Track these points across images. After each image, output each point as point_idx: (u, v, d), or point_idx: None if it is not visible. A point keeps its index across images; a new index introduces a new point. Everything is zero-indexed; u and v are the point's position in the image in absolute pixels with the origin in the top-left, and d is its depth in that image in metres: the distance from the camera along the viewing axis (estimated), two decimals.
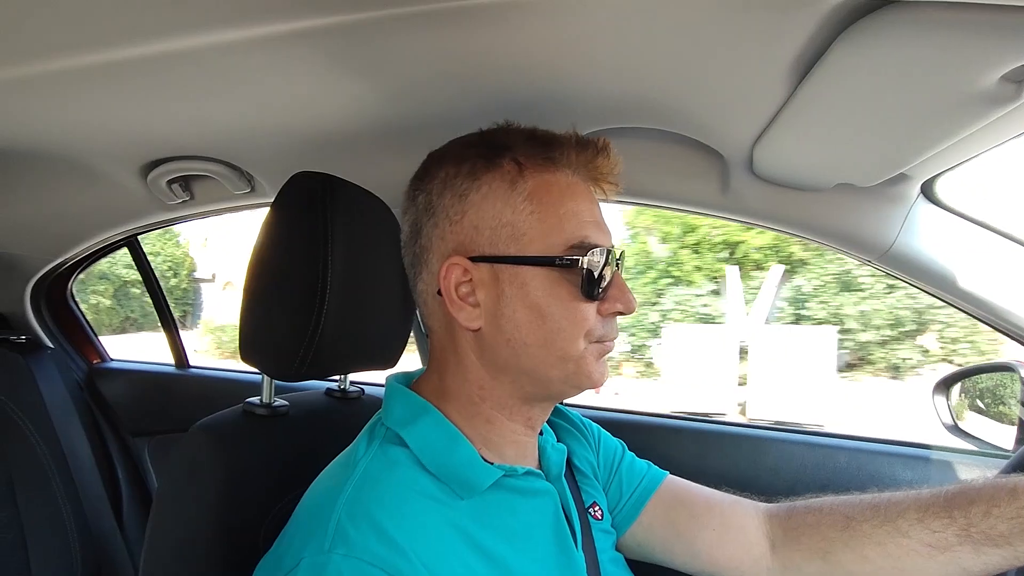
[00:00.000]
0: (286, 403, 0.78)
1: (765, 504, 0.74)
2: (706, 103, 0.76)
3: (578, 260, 0.55)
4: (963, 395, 1.13)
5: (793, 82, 0.63)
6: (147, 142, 1.00)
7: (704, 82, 0.71)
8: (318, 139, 0.93)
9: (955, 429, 1.09)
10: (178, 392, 1.62)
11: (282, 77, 0.73)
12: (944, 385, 1.13)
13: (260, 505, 0.66)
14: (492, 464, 0.56)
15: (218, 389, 1.57)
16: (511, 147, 0.58)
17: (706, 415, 1.21)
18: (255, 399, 0.76)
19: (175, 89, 0.77)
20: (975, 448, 1.06)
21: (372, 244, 0.76)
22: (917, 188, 0.85)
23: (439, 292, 0.58)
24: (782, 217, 0.92)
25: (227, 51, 0.66)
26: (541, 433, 0.67)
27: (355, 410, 0.90)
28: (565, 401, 0.75)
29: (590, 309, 0.57)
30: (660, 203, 0.98)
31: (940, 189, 0.86)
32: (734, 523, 0.71)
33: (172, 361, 1.66)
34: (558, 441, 0.71)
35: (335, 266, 0.67)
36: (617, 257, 0.59)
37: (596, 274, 0.56)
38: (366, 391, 0.96)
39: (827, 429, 1.14)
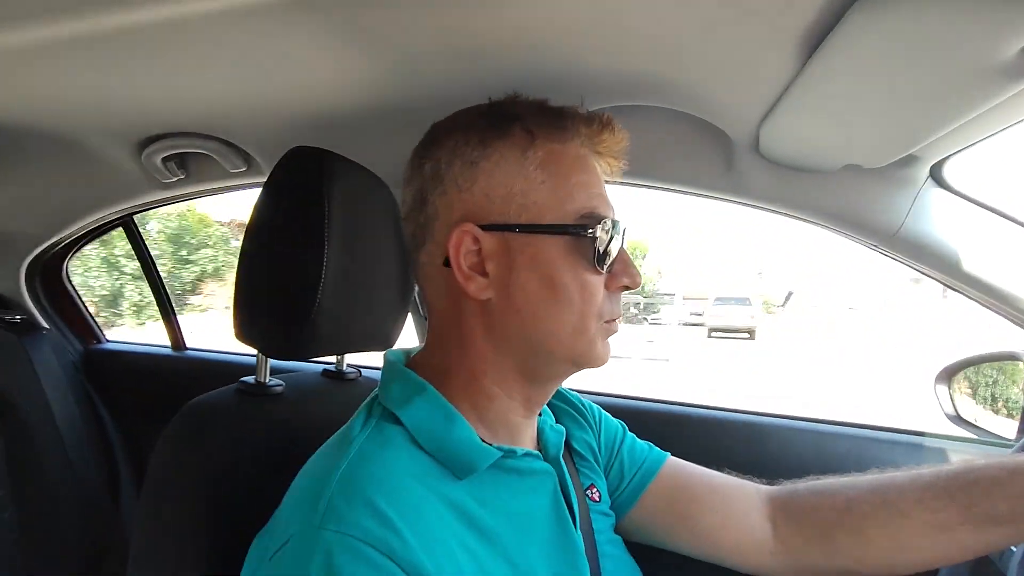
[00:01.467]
0: (281, 383, 0.77)
1: (767, 487, 0.74)
2: (712, 80, 0.74)
3: (589, 229, 0.55)
4: (966, 383, 1.12)
5: (803, 57, 0.61)
6: (141, 118, 0.99)
7: (710, 58, 0.69)
8: (316, 116, 0.91)
9: (957, 418, 1.08)
10: (175, 373, 1.62)
11: (279, 50, 0.71)
12: (946, 374, 1.12)
13: (252, 484, 0.65)
14: (490, 444, 0.56)
15: (215, 371, 1.57)
16: (521, 116, 0.58)
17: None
18: (249, 378, 0.75)
19: (168, 61, 0.75)
20: (977, 437, 1.05)
21: (370, 222, 0.74)
22: (926, 171, 0.83)
23: (444, 263, 0.57)
24: (787, 199, 0.90)
25: (222, 19, 0.64)
26: (540, 415, 0.66)
27: (352, 391, 0.89)
28: (566, 384, 0.74)
29: (599, 283, 0.57)
30: (663, 185, 0.96)
31: (949, 172, 0.84)
32: (736, 506, 0.71)
33: (169, 343, 1.65)
34: (557, 423, 0.70)
35: (332, 243, 0.66)
36: (622, 232, 0.59)
37: (605, 246, 0.56)
38: (363, 372, 0.95)
39: (827, 416, 1.13)
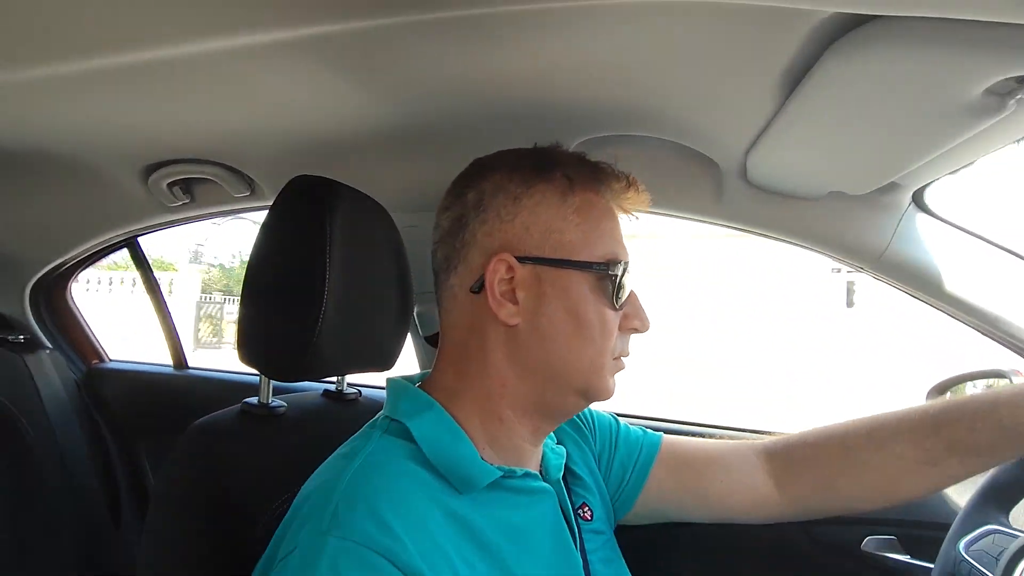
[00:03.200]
0: (283, 404, 0.79)
1: (760, 442, 0.78)
2: (700, 112, 0.77)
3: (612, 270, 0.60)
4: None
5: (784, 93, 0.64)
6: (149, 145, 1.01)
7: (697, 92, 0.72)
8: (318, 143, 0.94)
9: None
10: (177, 393, 1.63)
11: (283, 82, 0.74)
12: (937, 391, 1.14)
13: (256, 505, 0.66)
14: (492, 465, 0.57)
15: (218, 390, 1.58)
16: (563, 164, 0.63)
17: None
18: (253, 399, 0.77)
19: (177, 93, 0.78)
20: None
21: (371, 247, 0.77)
22: (908, 197, 0.86)
23: (474, 289, 0.60)
24: (776, 225, 0.93)
25: (230, 57, 0.67)
26: None
27: (352, 411, 0.90)
28: None
29: (616, 321, 0.61)
30: (655, 211, 0.99)
31: (930, 198, 0.87)
32: (737, 469, 0.76)
33: (171, 362, 1.67)
34: (558, 444, 0.72)
35: (333, 268, 0.68)
36: (633, 277, 0.64)
37: (624, 288, 0.61)
38: (363, 393, 0.96)
39: None
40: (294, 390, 0.93)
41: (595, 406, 0.80)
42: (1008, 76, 0.51)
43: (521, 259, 0.59)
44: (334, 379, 0.94)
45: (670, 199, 0.97)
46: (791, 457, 0.75)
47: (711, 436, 0.83)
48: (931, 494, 0.73)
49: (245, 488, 0.67)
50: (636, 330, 0.64)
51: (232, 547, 0.63)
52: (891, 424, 0.70)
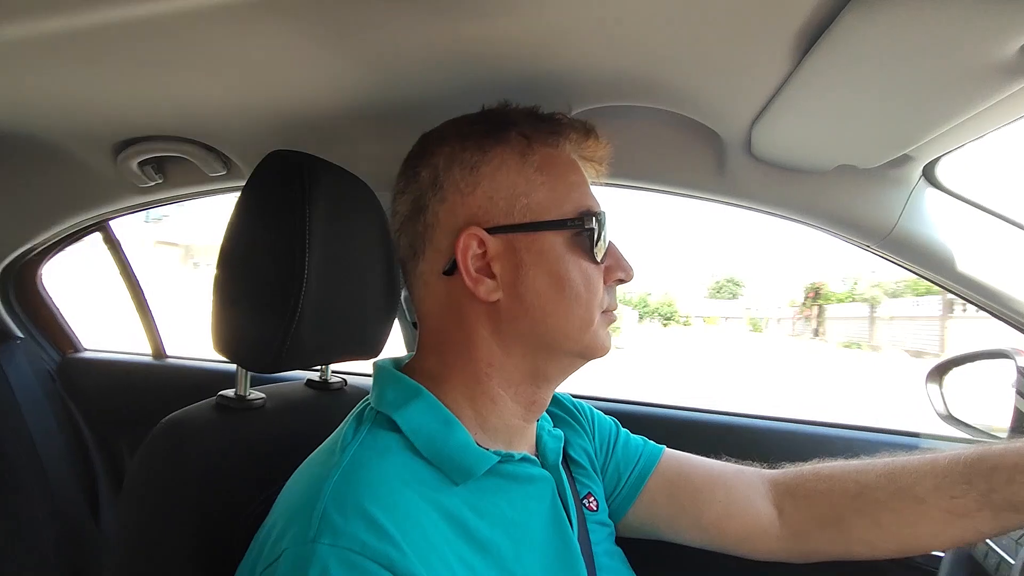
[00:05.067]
0: (262, 395, 0.74)
1: (769, 471, 0.73)
2: (705, 79, 0.72)
3: (588, 223, 0.58)
4: (957, 383, 1.11)
5: (798, 54, 0.60)
6: (115, 121, 0.95)
7: (703, 56, 0.67)
8: (299, 119, 0.88)
9: (949, 417, 1.08)
10: (156, 383, 1.57)
11: (258, 50, 0.68)
12: (937, 373, 1.12)
13: (234, 502, 0.62)
14: (488, 450, 0.55)
15: (198, 380, 1.53)
16: (516, 122, 0.60)
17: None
18: (229, 391, 0.73)
19: (145, 63, 0.72)
20: (969, 436, 1.04)
21: (354, 228, 0.72)
22: (919, 171, 0.82)
23: (446, 271, 0.57)
24: (780, 200, 0.89)
25: (198, 19, 0.61)
26: (538, 420, 0.66)
27: (337, 401, 0.86)
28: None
29: (599, 275, 0.59)
30: (655, 186, 0.95)
31: (941, 172, 0.83)
32: (739, 493, 0.71)
33: (149, 351, 1.61)
34: (555, 428, 0.69)
35: (314, 250, 0.63)
36: (609, 227, 0.61)
37: (602, 240, 0.59)
38: (349, 381, 0.92)
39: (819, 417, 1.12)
40: (276, 380, 0.88)
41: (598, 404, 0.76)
42: None
43: (491, 230, 0.56)
44: (318, 368, 0.90)
45: (669, 174, 0.93)
46: (800, 488, 0.70)
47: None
48: (955, 547, 0.67)
49: (220, 487, 0.63)
50: (621, 280, 0.62)
51: (207, 550, 0.59)
52: (914, 467, 0.64)
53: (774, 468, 0.74)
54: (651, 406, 1.16)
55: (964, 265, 0.84)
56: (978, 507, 0.59)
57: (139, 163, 1.07)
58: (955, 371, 1.13)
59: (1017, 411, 1.00)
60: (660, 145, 0.89)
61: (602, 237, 0.59)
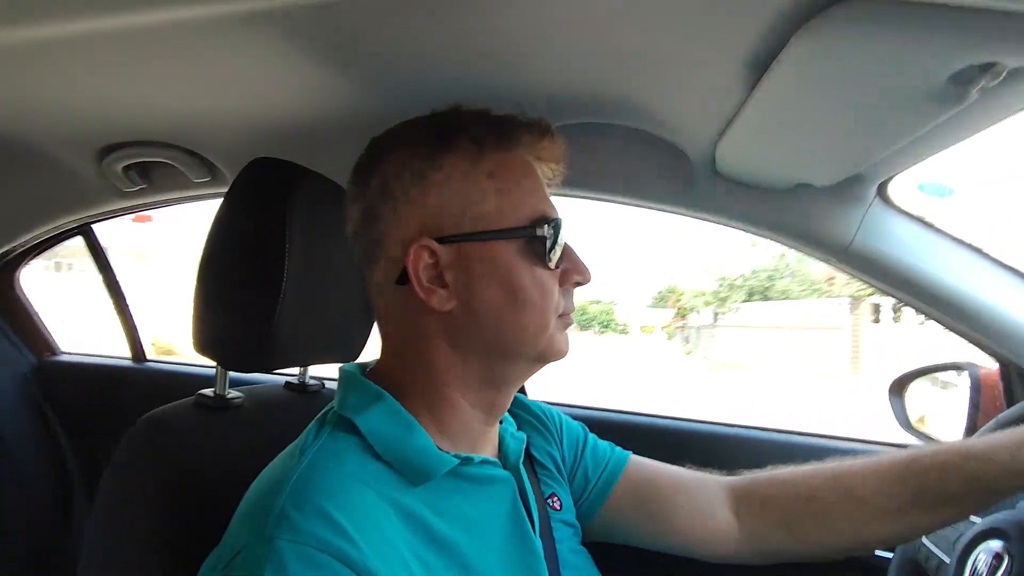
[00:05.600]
0: (240, 395, 0.76)
1: (728, 477, 0.76)
2: (669, 100, 0.76)
3: (542, 230, 0.57)
4: (916, 394, 1.16)
5: (752, 80, 0.64)
6: (102, 125, 0.97)
7: (666, 79, 0.71)
8: (282, 127, 0.91)
9: (909, 427, 1.12)
10: (134, 386, 1.57)
11: (246, 60, 0.71)
12: (899, 385, 1.16)
13: (209, 500, 0.63)
14: (448, 453, 0.56)
15: (177, 383, 1.52)
16: (466, 127, 0.59)
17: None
18: (208, 391, 0.74)
19: (131, 69, 0.74)
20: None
21: (334, 234, 0.74)
22: (873, 190, 0.87)
23: (399, 280, 0.57)
24: (744, 216, 0.93)
25: (188, 29, 0.64)
26: (501, 422, 0.67)
27: (314, 403, 0.87)
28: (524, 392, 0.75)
29: (554, 280, 0.59)
30: (625, 200, 0.98)
31: (894, 191, 0.88)
32: (701, 499, 0.73)
33: (128, 354, 1.61)
34: (518, 431, 0.70)
35: (293, 254, 0.66)
36: (565, 231, 0.61)
37: (556, 245, 0.58)
38: (326, 385, 0.94)
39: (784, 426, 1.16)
40: (254, 382, 0.89)
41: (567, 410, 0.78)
42: (973, 63, 0.51)
43: (441, 240, 0.56)
44: (296, 370, 0.92)
45: (640, 189, 0.96)
46: (755, 493, 0.73)
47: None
48: (896, 544, 0.71)
49: (197, 483, 0.64)
50: (578, 283, 0.62)
51: (183, 547, 0.60)
52: (858, 470, 0.68)
53: (732, 474, 0.77)
54: (618, 412, 1.18)
55: (917, 282, 0.89)
56: (913, 504, 0.63)
57: (123, 167, 1.08)
58: (915, 383, 1.17)
59: (970, 419, 1.04)
60: (630, 161, 0.93)
61: (557, 242, 0.58)
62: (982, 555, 0.61)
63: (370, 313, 0.83)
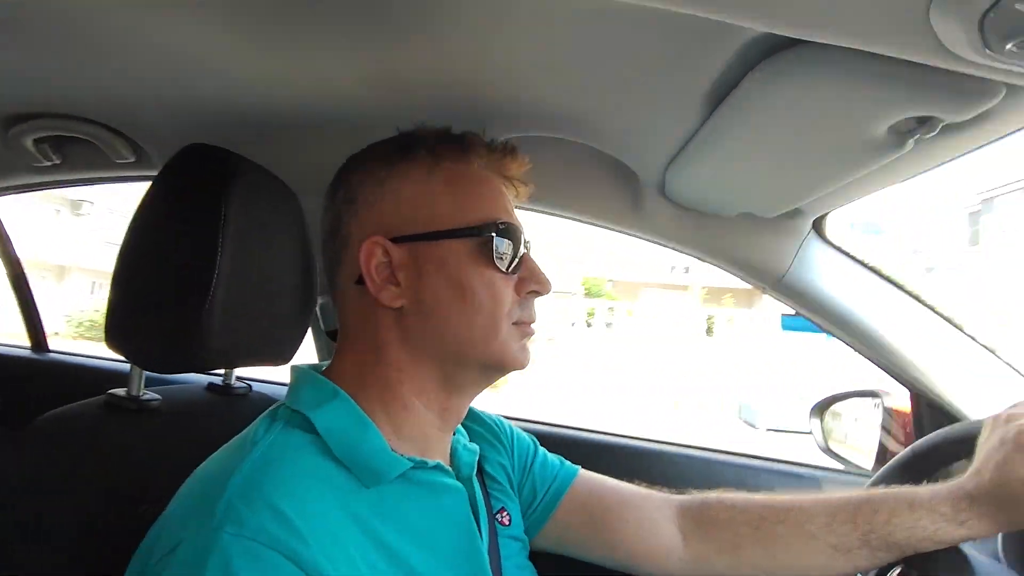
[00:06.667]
0: (157, 396, 0.70)
1: (677, 496, 0.77)
2: (624, 122, 0.77)
3: (491, 232, 0.59)
4: (834, 418, 1.22)
5: (706, 111, 0.65)
6: (11, 93, 0.88)
7: (623, 102, 0.72)
8: (223, 114, 0.85)
9: (827, 450, 1.18)
10: (36, 379, 1.44)
11: (181, 41, 0.66)
12: (819, 409, 1.22)
13: (118, 509, 0.58)
14: (402, 455, 0.55)
15: (84, 379, 1.41)
16: (425, 140, 0.62)
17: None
18: (120, 390, 0.68)
19: (45, 38, 0.68)
20: (843, 468, 1.15)
21: (272, 230, 0.71)
22: (809, 224, 0.91)
23: (358, 280, 0.58)
24: (688, 240, 0.95)
25: (114, 3, 0.58)
26: (454, 433, 0.66)
27: (240, 407, 0.83)
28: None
29: (507, 286, 0.60)
30: (574, 216, 0.99)
31: (828, 226, 0.92)
32: (648, 516, 0.74)
33: (28, 343, 1.47)
34: (471, 442, 0.70)
35: (226, 249, 0.62)
36: (526, 243, 0.63)
37: (510, 250, 0.60)
38: (254, 387, 0.89)
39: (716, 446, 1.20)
40: (172, 382, 0.83)
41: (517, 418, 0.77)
42: (910, 115, 0.54)
43: (395, 240, 0.58)
44: (221, 371, 0.86)
45: (589, 207, 0.97)
46: (704, 515, 0.74)
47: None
48: None
49: (104, 490, 0.59)
50: (536, 293, 0.63)
51: (91, 553, 0.55)
52: (810, 504, 0.70)
53: (682, 493, 0.78)
54: (569, 428, 1.19)
55: (844, 314, 0.94)
56: (859, 545, 0.65)
57: (34, 140, 0.99)
58: (833, 408, 1.24)
59: (881, 444, 1.11)
60: (582, 179, 0.93)
61: (510, 248, 0.60)
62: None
63: (306, 315, 0.79)
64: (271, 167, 0.72)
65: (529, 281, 0.62)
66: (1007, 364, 0.90)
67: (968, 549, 0.62)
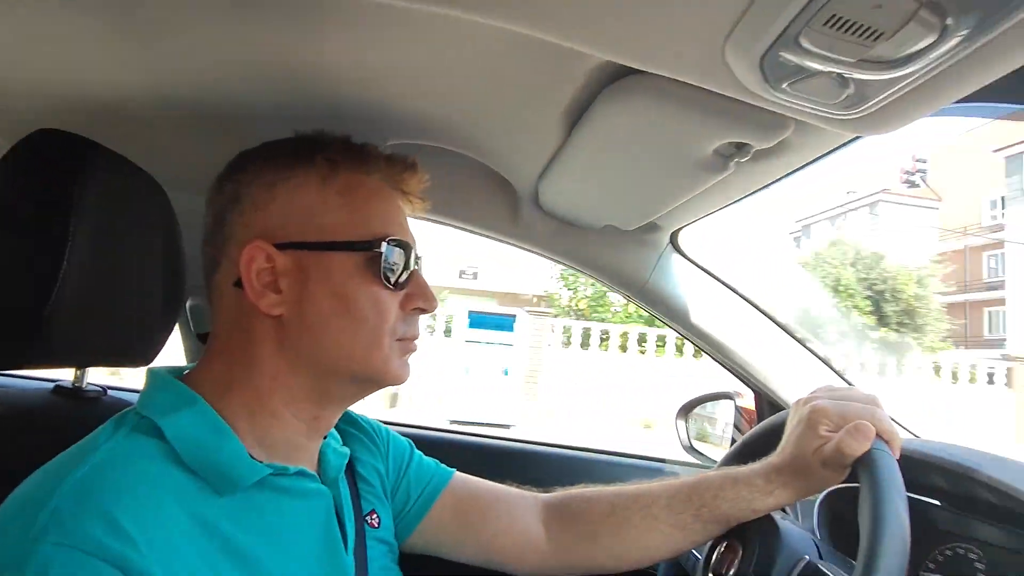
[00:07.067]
0: None
1: (543, 494, 0.82)
2: (499, 136, 0.82)
3: (380, 247, 0.58)
4: (696, 419, 1.34)
5: (567, 128, 0.72)
6: None
7: (497, 116, 0.77)
8: (80, 100, 0.80)
9: (690, 449, 1.29)
10: None
11: (24, 21, 0.62)
12: (683, 411, 1.33)
13: None
14: (261, 463, 0.54)
15: None
16: (324, 147, 0.61)
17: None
18: None
19: None
20: (702, 463, 1.26)
21: (134, 222, 0.68)
22: (667, 238, 1.01)
23: (236, 282, 0.57)
24: (562, 250, 1.02)
25: None
26: (325, 437, 0.66)
27: (91, 412, 0.78)
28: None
29: (393, 301, 0.60)
30: (457, 224, 1.03)
31: (683, 240, 1.03)
32: (517, 513, 0.78)
33: None
34: (344, 445, 0.70)
35: (78, 238, 0.59)
36: (418, 259, 0.64)
37: (399, 266, 0.60)
38: (109, 392, 0.84)
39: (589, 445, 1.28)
40: (9, 387, 0.77)
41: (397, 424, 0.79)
42: (728, 141, 0.63)
43: (280, 246, 0.57)
44: (71, 374, 0.81)
45: (470, 216, 1.02)
46: (565, 508, 0.80)
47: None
48: (677, 555, 0.81)
49: None
50: (422, 310, 0.63)
51: None
52: (655, 490, 0.77)
53: (548, 491, 0.83)
54: (444, 432, 1.21)
55: (697, 320, 1.04)
56: (693, 520, 0.73)
57: None
58: (696, 409, 1.36)
59: (734, 440, 1.23)
60: (463, 189, 0.98)
61: (400, 264, 0.60)
62: (719, 547, 0.73)
63: (171, 315, 0.76)
64: (139, 160, 0.69)
65: (416, 297, 0.62)
66: (825, 364, 1.05)
67: (778, 518, 0.71)
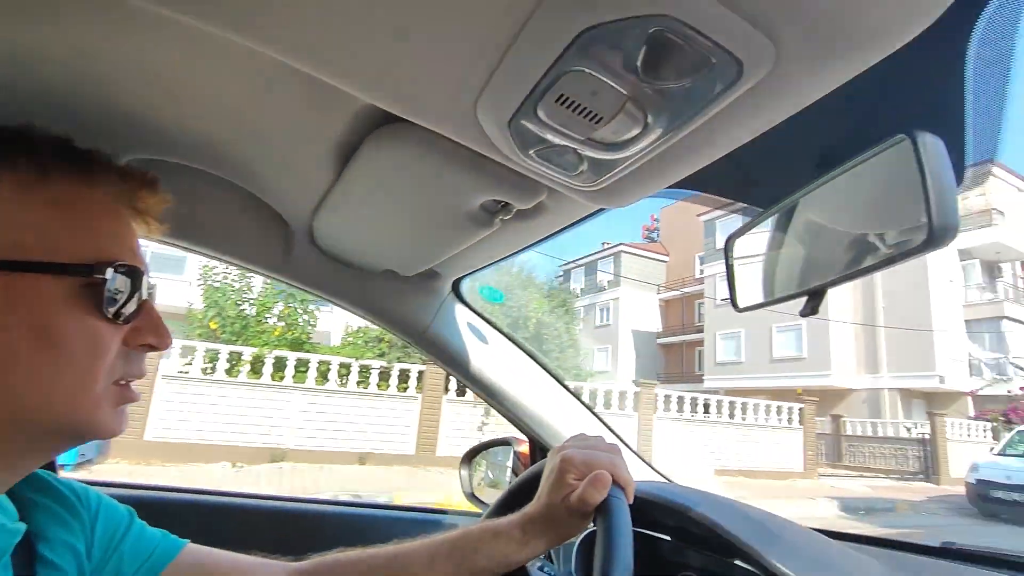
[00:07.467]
0: None
1: (295, 563, 0.74)
2: (271, 166, 0.76)
3: (104, 273, 0.50)
4: (476, 467, 1.35)
5: (339, 166, 0.68)
6: None
7: (269, 145, 0.71)
8: None
9: (471, 496, 1.29)
10: None
11: None
12: (467, 458, 1.34)
13: None
14: None
15: None
16: (36, 148, 0.52)
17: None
18: None
19: None
20: (483, 511, 1.26)
21: None
22: (448, 285, 1.01)
23: None
24: (338, 291, 0.97)
25: None
26: None
27: None
28: None
29: (114, 336, 0.52)
30: (218, 256, 0.92)
31: (465, 289, 1.04)
32: None
33: None
34: (22, 520, 0.55)
35: None
36: (150, 288, 0.56)
37: (123, 296, 0.52)
38: None
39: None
40: None
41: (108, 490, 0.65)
42: (492, 198, 0.65)
43: None
44: None
45: (238, 250, 0.92)
46: (316, 574, 0.73)
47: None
48: None
49: None
50: (153, 347, 0.56)
51: None
52: (416, 548, 0.74)
53: (302, 559, 0.76)
54: (184, 492, 1.05)
55: (476, 366, 1.05)
56: (455, 574, 0.71)
57: None
58: (478, 457, 1.37)
59: (510, 484, 1.26)
60: (231, 219, 0.88)
61: (125, 293, 0.53)
62: None
63: None
64: None
65: (145, 332, 0.55)
66: (588, 409, 1.13)
67: (534, 571, 0.73)
